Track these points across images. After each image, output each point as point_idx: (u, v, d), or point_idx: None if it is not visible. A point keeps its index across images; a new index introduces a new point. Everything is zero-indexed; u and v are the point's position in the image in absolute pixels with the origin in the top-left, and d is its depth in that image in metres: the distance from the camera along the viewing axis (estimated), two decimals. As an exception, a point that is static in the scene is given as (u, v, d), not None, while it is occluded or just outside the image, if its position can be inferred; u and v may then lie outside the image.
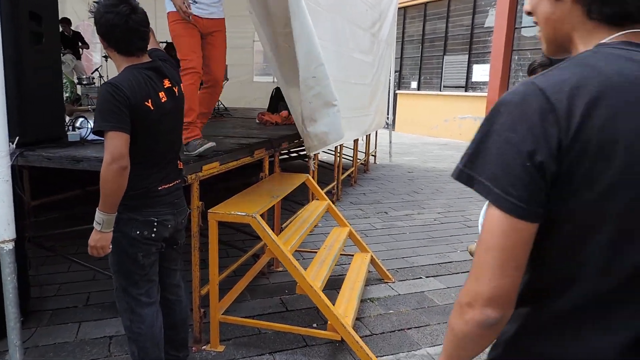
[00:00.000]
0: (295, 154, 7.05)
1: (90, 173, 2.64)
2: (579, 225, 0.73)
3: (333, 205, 3.75)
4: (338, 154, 6.09)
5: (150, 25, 2.05)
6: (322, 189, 4.00)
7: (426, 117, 14.58)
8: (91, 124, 3.18)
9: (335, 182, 6.00)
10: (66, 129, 3.12)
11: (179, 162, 2.23)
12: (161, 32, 7.19)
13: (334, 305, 2.67)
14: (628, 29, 0.74)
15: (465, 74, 13.58)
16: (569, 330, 0.78)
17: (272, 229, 3.12)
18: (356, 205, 5.96)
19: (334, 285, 3.38)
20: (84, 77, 6.69)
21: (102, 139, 1.94)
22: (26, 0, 2.63)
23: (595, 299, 0.75)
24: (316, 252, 3.25)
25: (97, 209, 1.89)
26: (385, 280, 3.66)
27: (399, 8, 10.44)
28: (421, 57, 15.15)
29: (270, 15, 3.50)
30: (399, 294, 3.44)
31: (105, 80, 7.22)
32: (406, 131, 15.20)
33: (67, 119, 3.31)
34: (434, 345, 2.78)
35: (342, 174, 6.45)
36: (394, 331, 2.93)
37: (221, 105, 7.55)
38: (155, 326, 2.12)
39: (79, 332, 2.80)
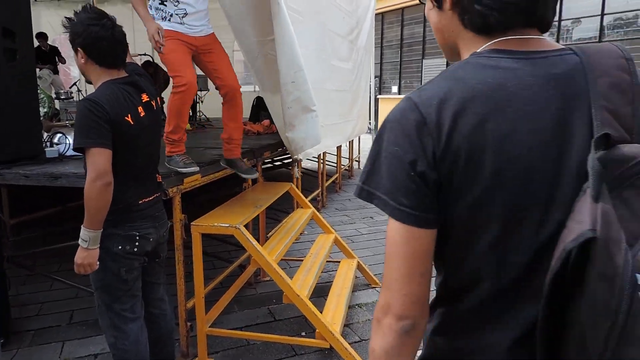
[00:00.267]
0: (278, 163, 7.04)
1: (70, 189, 2.61)
2: (467, 229, 0.76)
3: (317, 213, 3.76)
4: (321, 161, 6.10)
5: (128, 39, 2.05)
6: (307, 197, 4.01)
7: (408, 121, 14.66)
8: (69, 139, 3.13)
9: (319, 189, 6.00)
10: (44, 145, 3.08)
11: (157, 175, 2.21)
12: (139, 45, 7.16)
13: (321, 312, 2.67)
14: (498, 38, 0.77)
15: (445, 77, 13.73)
16: (472, 327, 0.81)
17: (258, 239, 3.11)
18: (341, 212, 5.97)
19: (321, 293, 3.37)
20: (62, 91, 6.60)
21: (81, 154, 1.92)
22: (-1, 17, 2.60)
23: (491, 297, 0.78)
24: (302, 260, 3.24)
25: (82, 226, 1.87)
26: (373, 285, 3.67)
27: (377, 14, 10.55)
28: (400, 62, 15.30)
29: (251, 24, 3.51)
30: (387, 299, 3.44)
31: (84, 94, 7.14)
32: (389, 135, 15.29)
33: (45, 135, 3.26)
34: (422, 349, 2.78)
35: (327, 180, 6.46)
36: (383, 336, 2.93)
37: (202, 116, 7.53)
38: (141, 342, 2.09)
39: (62, 352, 2.75)
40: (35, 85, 3.08)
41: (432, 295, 0.84)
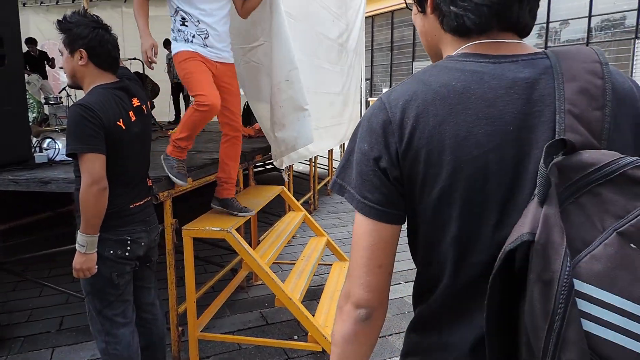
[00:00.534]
0: (270, 166, 7.04)
1: (59, 194, 2.59)
2: (430, 227, 0.79)
3: (309, 216, 3.76)
4: (313, 164, 6.10)
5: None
6: (299, 200, 4.01)
7: (399, 124, 14.73)
8: (59, 144, 3.12)
9: (311, 192, 6.01)
10: (33, 150, 3.06)
11: (148, 179, 2.21)
12: (129, 50, 7.13)
13: (314, 316, 2.67)
14: (473, 41, 0.79)
15: (435, 80, 13.81)
16: (440, 325, 0.83)
17: (250, 243, 3.11)
18: (333, 214, 5.98)
19: (313, 296, 3.37)
20: (51, 96, 6.55)
21: (70, 159, 1.91)
22: (-14, 22, 2.58)
23: (453, 295, 0.80)
24: (294, 264, 3.25)
25: (79, 231, 1.87)
26: (365, 288, 3.67)
27: (367, 17, 10.60)
28: (391, 64, 15.39)
29: (234, 31, 3.49)
30: (379, 301, 3.45)
31: (74, 99, 7.10)
32: (380, 138, 15.35)
33: (34, 140, 3.24)
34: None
35: (318, 183, 6.47)
36: (375, 338, 2.94)
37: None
38: (132, 347, 2.08)
39: (52, 358, 2.72)
40: (24, 91, 3.06)
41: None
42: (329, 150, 6.85)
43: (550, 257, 0.60)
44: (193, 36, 2.58)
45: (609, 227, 0.61)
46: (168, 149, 2.64)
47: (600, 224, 0.62)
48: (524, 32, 0.81)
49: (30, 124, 3.93)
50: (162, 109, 7.74)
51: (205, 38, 2.60)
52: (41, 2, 9.48)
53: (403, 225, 0.81)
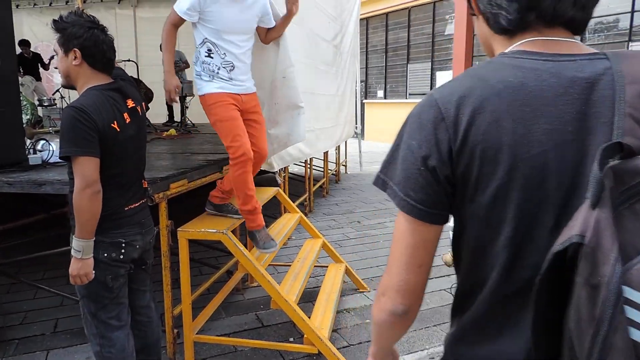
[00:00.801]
0: (265, 167, 7.01)
1: (54, 196, 2.58)
2: (482, 228, 0.77)
3: (305, 218, 3.76)
4: (308, 166, 6.11)
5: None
6: (294, 202, 4.01)
7: (394, 125, 14.47)
8: (53, 146, 3.10)
9: (306, 194, 6.01)
10: (27, 152, 3.04)
11: (144, 181, 2.20)
12: (123, 51, 7.11)
13: (309, 318, 2.67)
14: (520, 40, 0.79)
15: (430, 81, 13.87)
16: (489, 334, 0.81)
17: (245, 245, 3.10)
18: (329, 216, 5.98)
19: (309, 298, 3.37)
20: (45, 98, 6.53)
21: (64, 161, 1.90)
22: (-20, 23, 2.57)
23: (504, 301, 0.78)
24: (290, 265, 3.25)
25: (74, 236, 1.85)
26: (361, 290, 3.68)
27: (361, 19, 10.63)
28: (386, 66, 15.41)
29: None
30: (375, 303, 3.45)
31: (67, 101, 7.06)
32: (375, 139, 15.37)
33: (28, 141, 3.23)
34: (411, 353, 2.80)
35: (314, 185, 6.47)
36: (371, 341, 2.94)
37: (188, 122, 7.49)
38: (127, 350, 2.07)
39: (47, 362, 2.71)
40: (18, 92, 3.04)
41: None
42: (324, 152, 6.85)
43: (599, 262, 0.58)
44: (218, 68, 2.57)
45: None
46: (247, 224, 2.73)
47: None
48: (576, 28, 0.78)
49: (24, 125, 3.91)
50: (157, 110, 7.72)
51: (230, 70, 2.58)
52: (34, 4, 9.45)
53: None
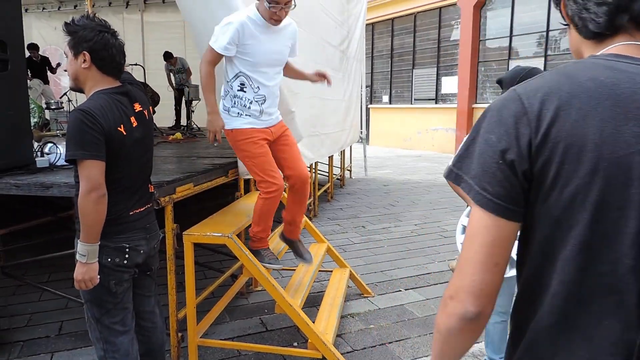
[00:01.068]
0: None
1: (60, 198, 2.59)
2: (553, 229, 0.74)
3: (310, 222, 3.76)
4: (313, 170, 6.11)
5: None
6: (298, 206, 3.99)
7: (399, 130, 14.79)
8: (60, 149, 3.12)
9: (311, 199, 6.01)
10: (35, 154, 3.06)
11: (150, 185, 2.20)
12: (131, 55, 7.16)
13: (314, 322, 2.67)
14: (610, 44, 0.78)
15: (435, 87, 13.88)
16: (558, 345, 0.77)
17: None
18: (333, 221, 5.98)
19: (313, 302, 3.36)
20: (53, 101, 6.57)
21: (71, 164, 1.90)
22: (-10, 27, 2.60)
23: (577, 311, 0.74)
24: (294, 270, 3.24)
25: (78, 241, 1.84)
26: (365, 295, 3.67)
27: (367, 24, 10.65)
28: (391, 72, 15.43)
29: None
30: (379, 308, 3.45)
31: (74, 104, 7.11)
32: (380, 144, 15.37)
33: (36, 144, 3.25)
34: (415, 359, 2.78)
35: (319, 189, 6.47)
36: (375, 346, 2.93)
37: (194, 126, 7.52)
38: (131, 355, 2.06)
39: (52, 364, 2.72)
40: (27, 96, 3.07)
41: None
42: (329, 157, 6.86)
43: None
44: (250, 102, 2.55)
45: None
46: (252, 244, 2.71)
47: None
48: None
49: (32, 128, 3.93)
50: (163, 114, 7.76)
51: (262, 104, 2.58)
52: (43, 8, 9.53)
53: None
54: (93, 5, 8.79)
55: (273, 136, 2.66)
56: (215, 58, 2.51)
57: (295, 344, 2.94)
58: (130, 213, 2.00)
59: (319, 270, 3.55)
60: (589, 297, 0.73)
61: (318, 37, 4.85)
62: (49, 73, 8.26)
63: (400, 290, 3.77)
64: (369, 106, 15.51)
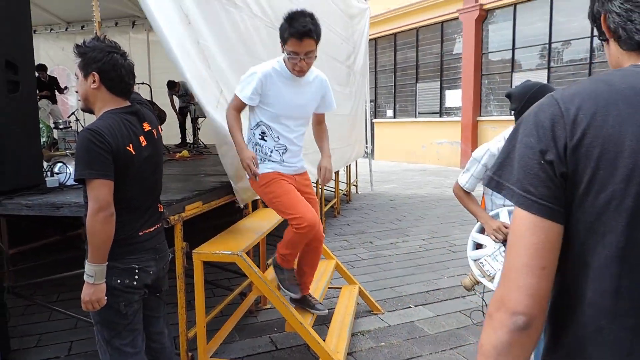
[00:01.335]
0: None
1: (68, 218, 2.60)
2: (589, 235, 0.73)
3: (318, 238, 3.74)
4: (319, 186, 6.11)
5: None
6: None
7: (404, 144, 14.81)
8: (70, 168, 3.14)
9: (318, 215, 5.99)
10: (44, 174, 3.08)
11: (159, 205, 2.19)
12: (137, 74, 7.25)
13: (324, 341, 2.64)
14: None
15: (439, 100, 13.92)
16: (588, 353, 0.75)
17: (258, 266, 3.09)
18: (341, 237, 5.96)
19: (323, 320, 3.34)
20: (61, 121, 6.63)
21: (80, 184, 1.90)
22: (2, 50, 2.63)
23: (614, 323, 0.72)
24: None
25: (86, 261, 1.83)
26: (375, 312, 3.63)
27: (370, 39, 10.75)
28: (395, 86, 15.50)
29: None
30: (389, 325, 3.41)
31: (82, 123, 7.18)
32: (385, 159, 15.38)
33: (45, 164, 3.27)
34: (428, 376, 2.75)
35: (325, 205, 6.46)
36: (387, 363, 2.89)
37: (200, 143, 7.56)
38: (141, 376, 2.04)
39: (61, 386, 2.70)
40: (37, 116, 3.10)
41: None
42: (335, 172, 6.86)
43: None
44: (271, 151, 2.58)
45: None
46: (277, 258, 2.70)
47: None
48: None
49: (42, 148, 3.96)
50: (170, 132, 7.81)
51: (282, 153, 2.60)
52: (51, 29, 9.67)
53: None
54: (100, 26, 8.92)
55: (296, 183, 2.64)
56: (240, 106, 2.56)
57: (306, 362, 2.91)
58: (140, 233, 1.99)
59: (328, 288, 3.53)
60: (626, 311, 0.71)
61: (322, 53, 4.88)
62: (56, 93, 8.35)
63: (410, 307, 3.73)
64: (373, 120, 15.55)
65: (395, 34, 15.20)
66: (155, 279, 2.07)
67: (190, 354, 2.67)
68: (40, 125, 5.70)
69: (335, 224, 6.66)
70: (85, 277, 1.83)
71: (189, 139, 8.14)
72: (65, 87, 8.19)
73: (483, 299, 2.68)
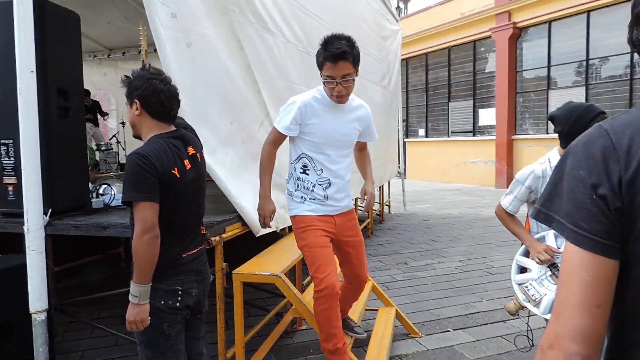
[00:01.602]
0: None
1: (110, 237, 2.67)
2: None
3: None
4: (364, 211, 6.10)
5: None
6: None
7: (436, 164, 14.66)
8: (114, 190, 3.25)
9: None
10: (90, 196, 3.20)
11: (202, 227, 2.23)
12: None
13: (363, 364, 2.61)
14: None
15: (472, 119, 13.77)
16: None
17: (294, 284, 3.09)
18: (375, 257, 5.91)
19: (360, 343, 3.29)
20: (102, 143, 6.89)
21: (125, 206, 1.95)
22: (55, 78, 2.77)
23: None
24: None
25: (131, 282, 1.87)
26: (412, 335, 3.57)
27: (401, 59, 10.77)
28: (426, 105, 15.45)
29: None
30: (428, 349, 3.34)
31: (123, 145, 7.42)
32: (417, 178, 15.25)
33: (91, 186, 3.39)
34: (470, 403, 2.66)
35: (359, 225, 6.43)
36: (426, 389, 2.83)
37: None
38: (183, 395, 2.06)
39: (103, 403, 2.74)
40: (85, 140, 3.24)
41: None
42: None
43: None
44: (314, 185, 2.44)
45: None
46: (326, 355, 2.49)
47: None
48: None
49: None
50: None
51: (326, 188, 2.45)
52: (94, 56, 10.11)
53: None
54: (139, 52, 9.27)
55: (337, 229, 2.50)
56: (279, 138, 2.46)
57: (344, 386, 2.87)
58: (184, 255, 2.02)
59: (365, 309, 3.49)
60: None
61: (359, 76, 4.94)
62: (98, 116, 8.69)
63: (449, 331, 3.65)
64: (405, 140, 15.49)
65: (426, 54, 15.22)
66: (197, 300, 2.09)
67: (228, 374, 2.68)
68: (84, 148, 5.95)
69: (368, 244, 6.61)
70: (130, 297, 1.87)
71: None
72: (106, 113, 8.52)
73: (528, 324, 2.60)
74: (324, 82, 2.36)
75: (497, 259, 5.57)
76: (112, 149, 6.91)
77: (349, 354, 2.50)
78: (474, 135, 13.70)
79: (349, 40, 2.31)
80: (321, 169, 2.43)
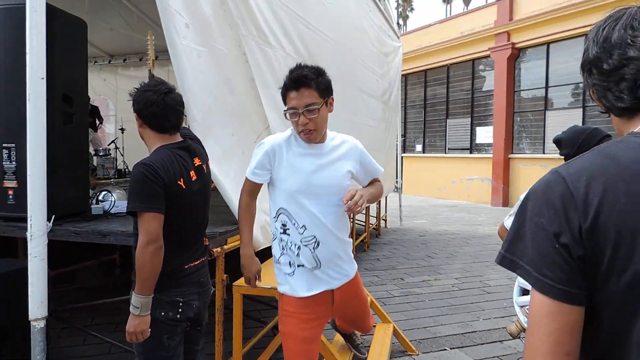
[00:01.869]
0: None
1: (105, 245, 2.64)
2: (616, 316, 0.71)
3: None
4: (351, 219, 6.09)
5: None
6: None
7: (433, 180, 14.71)
8: (114, 196, 3.23)
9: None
10: (90, 202, 3.17)
11: (205, 238, 2.21)
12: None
13: (361, 381, 2.58)
14: None
15: (469, 136, 13.86)
16: None
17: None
18: (371, 272, 5.89)
19: (358, 358, 3.26)
20: (101, 148, 6.86)
21: (125, 213, 1.94)
22: (61, 84, 2.77)
23: None
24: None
25: (133, 292, 1.85)
26: (409, 353, 3.54)
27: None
28: (424, 121, 15.54)
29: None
30: (425, 367, 3.32)
31: (121, 151, 7.40)
32: (413, 194, 15.28)
33: (90, 192, 3.37)
34: None
35: (355, 239, 6.42)
36: (423, 408, 2.80)
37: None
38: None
39: (96, 414, 2.70)
40: (87, 146, 3.23)
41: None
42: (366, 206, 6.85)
43: None
44: (298, 247, 1.99)
45: None
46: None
47: None
48: None
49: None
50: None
51: (314, 249, 1.99)
52: (95, 62, 10.12)
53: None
54: (140, 59, 9.29)
55: (336, 306, 2.12)
56: (252, 187, 2.10)
57: (340, 402, 2.84)
58: (186, 266, 2.01)
59: (362, 325, 3.47)
60: None
61: (356, 90, 4.97)
62: (98, 123, 8.67)
63: (446, 349, 3.62)
64: (402, 155, 15.55)
65: (425, 70, 15.35)
66: (197, 312, 2.07)
67: (224, 388, 2.64)
68: (83, 153, 5.92)
69: (365, 258, 6.59)
70: (131, 308, 1.85)
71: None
72: (102, 119, 8.51)
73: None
74: (288, 118, 1.98)
75: (493, 278, 5.57)
76: (110, 154, 6.88)
77: (348, 371, 2.48)
78: (471, 152, 13.78)
79: (316, 69, 1.98)
80: (303, 226, 1.98)
